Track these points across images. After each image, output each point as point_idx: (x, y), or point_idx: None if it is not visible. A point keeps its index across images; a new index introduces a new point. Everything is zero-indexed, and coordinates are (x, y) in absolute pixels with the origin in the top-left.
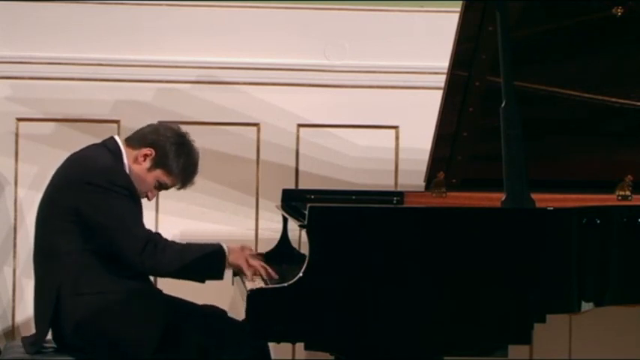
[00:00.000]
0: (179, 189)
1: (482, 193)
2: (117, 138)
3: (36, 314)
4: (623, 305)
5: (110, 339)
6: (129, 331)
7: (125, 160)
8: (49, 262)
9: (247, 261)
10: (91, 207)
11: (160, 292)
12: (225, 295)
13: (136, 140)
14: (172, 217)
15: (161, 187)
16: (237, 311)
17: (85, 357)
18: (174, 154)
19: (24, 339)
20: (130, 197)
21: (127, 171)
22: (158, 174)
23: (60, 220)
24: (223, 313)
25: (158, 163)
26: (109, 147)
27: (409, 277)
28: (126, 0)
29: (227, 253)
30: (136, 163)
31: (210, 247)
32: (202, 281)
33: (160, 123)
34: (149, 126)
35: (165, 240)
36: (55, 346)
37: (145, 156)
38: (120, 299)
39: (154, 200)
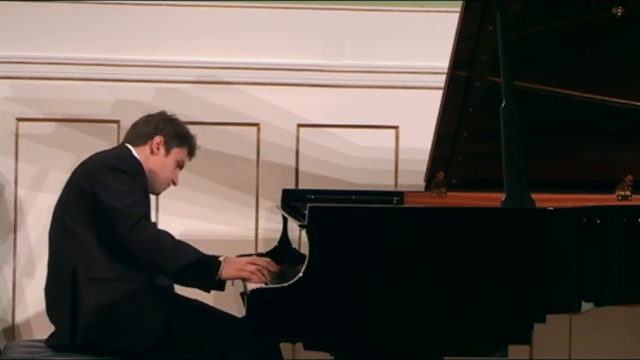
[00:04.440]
0: (191, 158)
1: (482, 193)
2: (127, 144)
3: (52, 300)
4: (623, 305)
5: (116, 326)
6: (135, 320)
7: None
8: (64, 242)
9: (245, 269)
10: (102, 186)
11: (168, 285)
12: (225, 295)
13: (139, 138)
14: (172, 217)
15: (180, 165)
16: (238, 311)
17: (86, 357)
18: (176, 130)
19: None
20: (144, 187)
21: (145, 169)
22: (175, 153)
23: (77, 204)
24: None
25: (170, 143)
26: (122, 154)
27: (409, 277)
28: (126, 0)
29: (222, 265)
30: (152, 154)
31: (208, 255)
32: (189, 284)
33: (141, 118)
34: (136, 124)
35: (163, 231)
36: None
37: (158, 145)
38: (129, 287)
39: (154, 200)
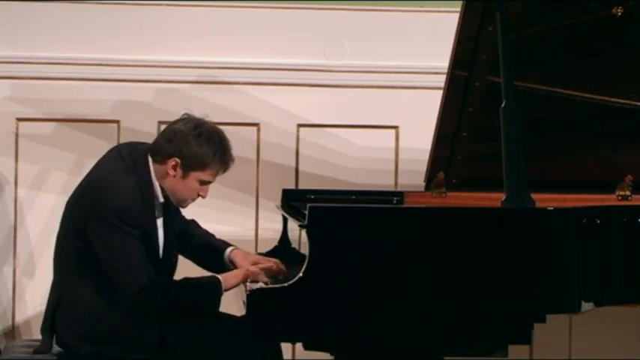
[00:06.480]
0: (223, 172)
1: (482, 193)
2: (149, 158)
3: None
4: (623, 305)
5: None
6: (121, 353)
7: (154, 181)
8: (59, 268)
9: (247, 272)
10: (98, 238)
11: None
12: (225, 296)
13: (158, 155)
14: None
15: (207, 182)
16: (238, 312)
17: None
18: (198, 149)
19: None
20: (140, 237)
21: (157, 190)
22: (195, 175)
23: (72, 234)
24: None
25: (188, 166)
26: (137, 168)
27: (409, 277)
28: (126, 0)
29: (221, 279)
30: (168, 177)
31: (208, 283)
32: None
33: (172, 124)
34: (163, 134)
35: (165, 287)
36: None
37: (174, 167)
38: (112, 325)
39: None
